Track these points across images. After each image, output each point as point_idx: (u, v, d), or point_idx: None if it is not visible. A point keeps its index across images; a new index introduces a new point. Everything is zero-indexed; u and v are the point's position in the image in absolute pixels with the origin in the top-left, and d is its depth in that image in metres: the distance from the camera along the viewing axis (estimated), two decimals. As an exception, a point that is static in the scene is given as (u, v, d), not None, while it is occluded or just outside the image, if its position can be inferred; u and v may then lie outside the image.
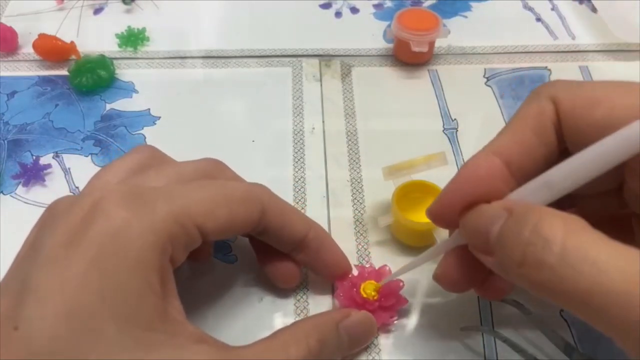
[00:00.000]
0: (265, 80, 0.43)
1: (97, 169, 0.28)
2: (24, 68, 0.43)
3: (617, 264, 0.17)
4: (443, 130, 0.39)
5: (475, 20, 0.48)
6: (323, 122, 0.40)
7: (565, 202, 0.25)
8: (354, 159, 0.37)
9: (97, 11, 0.48)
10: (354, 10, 0.49)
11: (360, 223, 0.34)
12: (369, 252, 0.32)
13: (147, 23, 0.46)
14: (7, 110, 0.40)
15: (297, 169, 0.37)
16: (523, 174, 0.22)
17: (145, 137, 0.39)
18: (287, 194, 0.35)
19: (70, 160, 0.37)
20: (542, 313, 0.28)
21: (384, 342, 0.29)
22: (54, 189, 0.36)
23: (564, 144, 0.22)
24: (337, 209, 0.34)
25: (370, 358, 0.28)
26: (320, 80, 0.43)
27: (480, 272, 0.23)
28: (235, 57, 0.44)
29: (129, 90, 0.42)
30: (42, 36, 0.43)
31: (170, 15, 0.48)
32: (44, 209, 0.25)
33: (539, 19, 0.48)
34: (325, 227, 0.33)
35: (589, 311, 0.17)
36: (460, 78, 0.43)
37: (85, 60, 0.42)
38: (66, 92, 0.41)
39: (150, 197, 0.23)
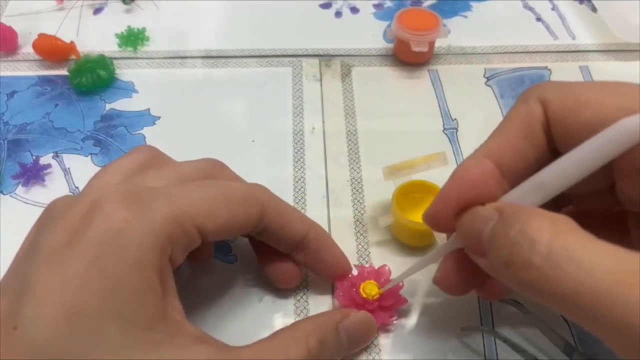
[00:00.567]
0: (265, 80, 0.43)
1: (97, 169, 0.28)
2: (23, 68, 0.43)
3: (604, 263, 0.17)
4: (443, 130, 0.39)
5: (476, 20, 0.48)
6: (323, 122, 0.40)
7: (561, 202, 0.26)
8: (354, 159, 0.37)
9: (97, 11, 0.48)
10: (354, 10, 0.49)
11: (360, 223, 0.34)
12: (369, 252, 0.32)
13: (147, 23, 0.46)
14: (7, 110, 0.40)
15: (297, 169, 0.37)
16: (515, 176, 0.23)
17: (145, 137, 0.39)
18: (287, 194, 0.35)
19: (70, 160, 0.37)
20: (542, 313, 0.28)
21: (384, 342, 0.29)
22: (53, 189, 0.36)
23: (555, 145, 0.22)
24: (337, 209, 0.34)
25: (370, 358, 0.28)
26: (320, 80, 0.43)
27: (479, 274, 0.23)
28: (235, 57, 0.44)
29: (128, 90, 0.42)
30: (42, 36, 0.43)
31: (170, 15, 0.48)
32: (44, 208, 0.25)
33: (539, 19, 0.48)
34: (325, 227, 0.33)
35: (577, 311, 0.18)
36: (461, 78, 0.43)
37: (85, 60, 0.42)
38: (66, 92, 0.41)
39: (150, 197, 0.23)
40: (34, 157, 0.37)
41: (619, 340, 0.17)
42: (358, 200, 0.35)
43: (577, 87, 0.22)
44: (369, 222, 0.34)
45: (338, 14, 0.49)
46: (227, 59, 0.44)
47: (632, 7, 0.47)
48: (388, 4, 0.50)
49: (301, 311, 0.30)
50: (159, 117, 0.40)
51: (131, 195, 0.23)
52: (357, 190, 0.35)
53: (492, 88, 0.42)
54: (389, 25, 0.45)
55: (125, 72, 0.43)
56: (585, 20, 0.48)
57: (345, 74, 0.43)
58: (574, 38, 0.46)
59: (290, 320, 0.29)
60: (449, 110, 0.40)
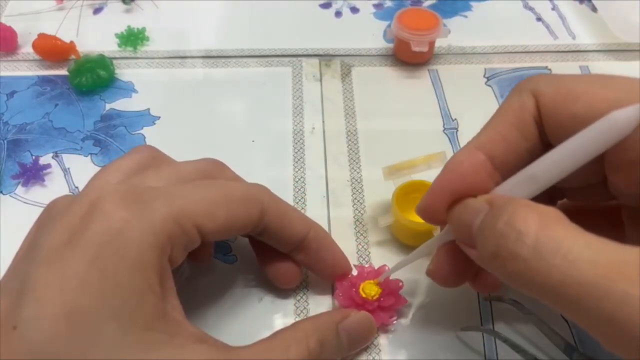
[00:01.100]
0: (265, 80, 0.43)
1: (97, 169, 0.28)
2: (23, 68, 0.43)
3: (590, 255, 0.17)
4: (443, 130, 0.39)
5: (476, 20, 0.48)
6: (323, 122, 0.40)
7: (555, 195, 0.26)
8: (354, 159, 0.37)
9: (97, 11, 0.48)
10: (354, 10, 0.49)
11: (360, 223, 0.34)
12: (369, 252, 0.32)
13: (147, 23, 0.46)
14: (6, 110, 0.40)
15: (297, 169, 0.37)
16: (507, 168, 0.23)
17: (144, 137, 0.39)
18: (287, 194, 0.35)
19: (69, 160, 0.37)
20: (542, 313, 0.28)
21: (384, 342, 0.29)
22: (53, 189, 0.35)
23: (547, 138, 0.22)
24: (337, 209, 0.34)
25: (370, 358, 0.28)
26: (320, 80, 0.42)
27: (472, 266, 0.23)
28: (235, 57, 0.44)
29: (128, 90, 0.42)
30: (41, 36, 0.43)
31: (170, 15, 0.48)
32: (43, 208, 0.25)
33: (539, 19, 0.48)
34: (325, 227, 0.33)
35: (563, 303, 0.18)
36: (461, 78, 0.43)
37: (85, 60, 0.42)
38: (66, 92, 0.41)
39: (149, 197, 0.23)
40: (33, 157, 0.37)
41: (605, 332, 0.17)
42: (358, 200, 0.35)
43: (569, 80, 0.22)
44: (369, 222, 0.34)
45: (338, 14, 0.49)
46: (227, 59, 0.44)
47: (632, 7, 0.47)
48: (388, 3, 0.50)
49: (301, 311, 0.30)
50: (159, 117, 0.40)
51: (131, 195, 0.23)
52: (357, 190, 0.35)
53: (492, 88, 0.42)
54: (389, 25, 0.45)
55: (125, 72, 0.43)
56: (585, 20, 0.48)
57: (345, 74, 0.43)
58: (574, 38, 0.46)
59: (290, 320, 0.29)
60: (449, 110, 0.40)
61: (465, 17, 0.48)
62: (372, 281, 0.29)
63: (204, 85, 0.42)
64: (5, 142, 0.38)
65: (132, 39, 0.45)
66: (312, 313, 0.30)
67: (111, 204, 0.22)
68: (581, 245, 0.17)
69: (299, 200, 0.35)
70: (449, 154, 0.37)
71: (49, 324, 0.20)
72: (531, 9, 0.49)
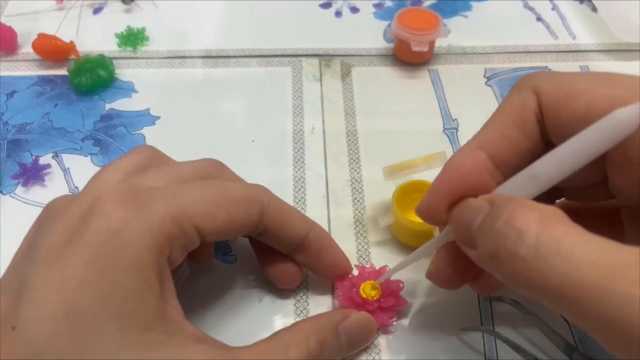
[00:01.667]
0: (265, 80, 0.43)
1: (97, 169, 0.28)
2: (23, 68, 0.43)
3: (590, 256, 0.17)
4: (443, 130, 0.39)
5: (476, 19, 0.48)
6: (323, 122, 0.40)
7: (554, 194, 0.25)
8: (354, 159, 0.37)
9: (97, 11, 0.48)
10: (354, 10, 0.49)
11: (360, 223, 0.34)
12: (369, 252, 0.32)
13: (147, 23, 0.46)
14: (6, 110, 0.40)
15: (297, 169, 0.37)
16: (509, 167, 0.22)
17: (144, 137, 0.39)
18: (287, 194, 0.35)
19: (69, 160, 0.37)
20: (542, 313, 0.28)
21: (384, 342, 0.29)
22: (53, 189, 0.35)
23: (548, 136, 0.22)
24: (337, 209, 0.34)
25: (370, 358, 0.28)
26: (320, 80, 0.42)
27: (472, 267, 0.23)
28: (235, 57, 0.44)
29: (128, 90, 0.42)
30: (41, 36, 0.43)
31: (170, 15, 0.48)
32: (43, 208, 0.25)
33: (539, 19, 0.48)
34: (325, 227, 0.33)
35: (563, 304, 0.17)
36: (461, 78, 0.43)
37: (85, 60, 0.42)
38: (66, 92, 0.41)
39: (149, 197, 0.23)
40: (33, 157, 0.37)
41: (606, 334, 0.17)
42: (358, 200, 0.35)
43: (570, 78, 0.22)
44: (369, 222, 0.34)
45: (338, 13, 0.49)
46: (227, 59, 0.44)
47: (632, 7, 0.47)
48: (388, 3, 0.50)
49: (301, 311, 0.30)
50: (159, 117, 0.40)
51: (130, 195, 0.23)
52: (357, 190, 0.35)
53: (492, 88, 0.42)
54: (389, 25, 0.45)
55: (125, 72, 0.43)
56: (585, 20, 0.48)
57: (345, 74, 0.43)
58: (574, 38, 0.46)
59: (290, 320, 0.29)
60: (449, 110, 0.40)
61: (465, 17, 0.48)
62: (372, 281, 0.29)
63: (204, 85, 0.42)
64: (5, 142, 0.38)
65: (132, 39, 0.45)
66: (312, 313, 0.29)
67: (110, 204, 0.22)
68: (582, 245, 0.17)
69: (299, 200, 0.35)
70: (449, 154, 0.37)
71: (48, 324, 0.20)
72: (531, 9, 0.49)
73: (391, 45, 0.45)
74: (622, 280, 0.16)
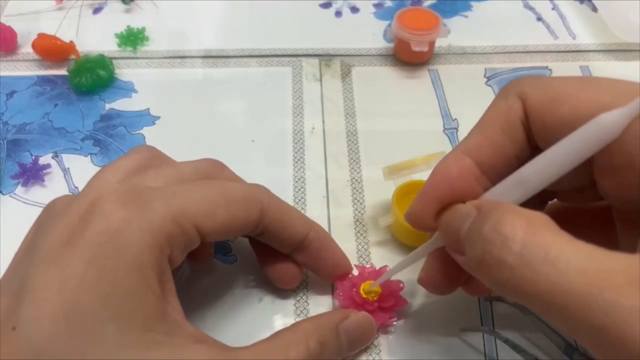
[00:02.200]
0: (265, 80, 0.42)
1: (97, 169, 0.28)
2: (23, 68, 0.43)
3: (578, 264, 0.17)
4: (443, 130, 0.39)
5: (476, 19, 0.48)
6: (323, 122, 0.40)
7: (546, 196, 0.25)
8: (354, 159, 0.37)
9: (97, 11, 0.48)
10: (354, 10, 0.49)
11: (360, 223, 0.34)
12: (369, 253, 0.32)
13: (147, 23, 0.46)
14: (6, 110, 0.40)
15: (297, 169, 0.37)
16: (495, 172, 0.22)
17: (144, 137, 0.39)
18: (287, 194, 0.35)
19: (69, 160, 0.37)
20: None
21: (384, 342, 0.29)
22: (53, 189, 0.35)
23: (534, 142, 0.22)
24: (337, 209, 0.34)
25: (370, 358, 0.28)
26: (320, 80, 0.42)
27: (462, 272, 0.23)
28: (235, 57, 0.44)
29: (128, 90, 0.42)
30: (41, 36, 0.43)
31: (170, 15, 0.48)
32: (43, 208, 0.25)
33: (539, 19, 0.48)
34: (325, 227, 0.33)
35: (551, 311, 0.17)
36: (461, 78, 0.43)
37: (85, 60, 0.42)
38: (65, 92, 0.41)
39: (149, 197, 0.23)
40: (33, 157, 0.37)
41: (593, 341, 0.17)
42: (358, 200, 0.35)
43: (556, 83, 0.22)
44: (369, 222, 0.34)
45: (338, 13, 0.49)
46: (227, 59, 0.44)
47: (632, 7, 0.47)
48: (388, 3, 0.50)
49: (301, 311, 0.30)
50: (159, 117, 0.40)
51: (130, 195, 0.23)
52: (357, 190, 0.35)
53: (492, 88, 0.42)
54: (389, 25, 0.45)
55: (124, 72, 0.43)
56: (585, 20, 0.48)
57: (345, 74, 0.43)
58: (574, 38, 0.46)
59: (290, 320, 0.29)
60: (449, 110, 0.40)
61: (465, 17, 0.48)
62: (372, 281, 0.29)
63: (204, 85, 0.42)
64: (5, 142, 0.38)
65: (132, 39, 0.45)
66: (312, 313, 0.29)
67: (110, 204, 0.22)
68: (569, 252, 0.17)
69: (299, 200, 0.35)
70: (449, 154, 0.37)
71: (48, 324, 0.20)
72: (531, 8, 0.49)
73: (391, 45, 0.45)
74: (609, 287, 0.16)
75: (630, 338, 0.15)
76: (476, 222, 0.20)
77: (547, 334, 0.27)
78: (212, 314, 0.29)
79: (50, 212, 0.24)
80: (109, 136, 0.39)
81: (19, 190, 0.35)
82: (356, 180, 0.36)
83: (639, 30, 0.45)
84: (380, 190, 0.34)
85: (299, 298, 0.30)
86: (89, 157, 0.37)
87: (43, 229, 0.23)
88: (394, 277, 0.29)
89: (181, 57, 0.44)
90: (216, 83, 0.42)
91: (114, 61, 0.43)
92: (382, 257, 0.32)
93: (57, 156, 0.37)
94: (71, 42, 0.43)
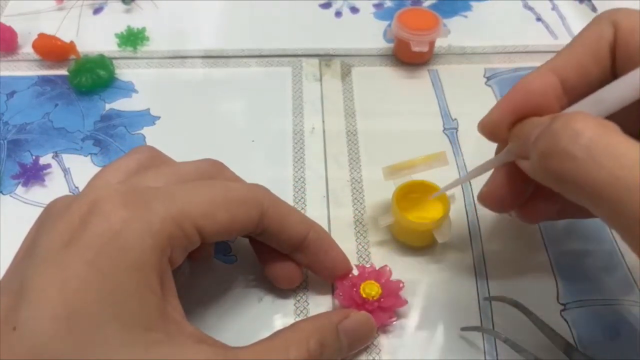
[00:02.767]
0: (265, 80, 0.43)
1: (97, 169, 0.28)
2: (23, 68, 0.43)
3: None
4: (443, 130, 0.39)
5: (476, 20, 0.48)
6: (323, 122, 0.40)
7: None
8: (354, 159, 0.37)
9: (97, 11, 0.48)
10: (354, 10, 0.49)
11: (360, 223, 0.34)
12: (369, 252, 0.32)
13: (147, 23, 0.46)
14: (6, 110, 0.40)
15: (297, 169, 0.37)
16: (577, 94, 0.23)
17: (144, 137, 0.39)
18: (287, 194, 0.35)
19: (69, 160, 0.37)
20: (542, 313, 0.28)
21: (384, 342, 0.29)
22: (53, 189, 0.35)
23: (618, 72, 0.23)
24: (337, 209, 0.34)
25: (370, 358, 0.28)
26: (320, 80, 0.42)
27: (524, 192, 0.24)
28: (235, 57, 0.44)
29: (128, 90, 0.42)
30: (41, 36, 0.43)
31: (170, 15, 0.48)
32: (43, 208, 0.25)
33: (539, 19, 0.48)
34: (325, 227, 0.33)
35: (606, 204, 0.18)
36: (461, 78, 0.43)
37: (85, 60, 0.42)
38: (66, 92, 0.41)
39: (149, 197, 0.23)
40: (33, 157, 0.37)
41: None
42: (358, 200, 0.35)
43: None
44: (369, 222, 0.34)
45: (338, 14, 0.49)
46: (227, 59, 0.44)
47: (632, 7, 0.47)
48: (388, 3, 0.50)
49: (301, 311, 0.30)
50: (159, 117, 0.40)
51: (130, 195, 0.23)
52: (357, 190, 0.35)
53: (492, 88, 0.42)
54: (389, 25, 0.45)
55: (125, 72, 0.43)
56: (585, 20, 0.47)
57: (345, 74, 0.43)
58: (574, 38, 0.46)
59: (290, 320, 0.29)
60: (449, 110, 0.40)
61: (465, 17, 0.48)
62: (372, 281, 0.29)
63: (204, 85, 0.42)
64: (5, 142, 0.38)
65: (132, 39, 0.45)
66: (312, 313, 0.29)
67: (111, 205, 0.22)
68: (634, 150, 0.18)
69: (299, 200, 0.35)
70: (449, 154, 0.37)
71: (49, 325, 0.20)
72: (531, 9, 0.49)
73: (391, 45, 0.45)
74: None
75: None
76: (547, 125, 0.20)
77: (547, 334, 0.27)
78: (212, 314, 0.29)
79: (51, 213, 0.24)
80: (109, 136, 0.39)
81: (20, 190, 0.35)
82: (356, 180, 0.36)
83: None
84: (380, 190, 0.34)
85: (299, 298, 0.30)
86: (89, 157, 0.37)
87: (43, 229, 0.23)
88: (394, 278, 0.29)
89: (181, 57, 0.44)
90: (216, 83, 0.42)
91: (114, 61, 0.43)
92: (382, 257, 0.32)
93: (57, 156, 0.37)
94: (71, 42, 0.43)
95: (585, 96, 0.22)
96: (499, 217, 0.33)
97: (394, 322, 0.29)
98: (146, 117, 0.40)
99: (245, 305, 0.30)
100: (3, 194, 0.35)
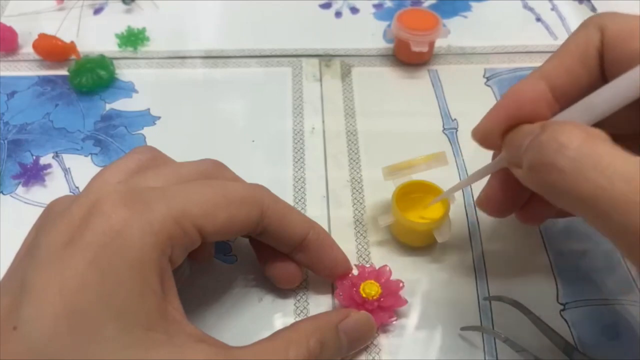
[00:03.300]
0: (265, 80, 0.43)
1: (97, 169, 0.29)
2: (24, 68, 0.43)
3: (627, 172, 0.18)
4: (443, 130, 0.39)
5: (475, 20, 0.48)
6: (323, 122, 0.40)
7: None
8: (354, 159, 0.37)
9: (97, 11, 0.48)
10: (354, 10, 0.49)
11: (360, 223, 0.34)
12: (369, 252, 0.32)
13: (147, 23, 0.46)
14: (7, 110, 0.40)
15: (297, 169, 0.37)
16: (567, 100, 0.23)
17: (145, 137, 0.39)
18: (287, 194, 0.35)
19: (70, 160, 0.37)
20: (542, 313, 0.28)
21: (384, 342, 0.29)
22: (53, 189, 0.36)
23: (606, 75, 0.23)
24: (337, 209, 0.34)
25: (370, 358, 0.28)
26: (320, 80, 0.43)
27: (522, 196, 0.25)
28: (235, 57, 0.44)
29: (128, 90, 0.42)
30: (42, 36, 0.43)
31: (170, 15, 0.48)
32: (44, 208, 0.25)
33: (538, 19, 0.48)
34: (325, 227, 0.33)
35: (593, 215, 0.18)
36: (460, 78, 0.43)
37: (85, 60, 0.42)
38: (66, 92, 0.41)
39: (150, 197, 0.23)
40: (34, 157, 0.37)
41: (630, 245, 0.18)
42: (358, 200, 0.35)
43: (633, 18, 0.22)
44: (369, 222, 0.34)
45: (338, 14, 0.49)
46: (227, 59, 0.44)
47: (632, 7, 0.47)
48: (388, 4, 0.50)
49: (301, 311, 0.30)
50: (159, 117, 0.40)
51: (131, 195, 0.23)
52: (357, 190, 0.35)
53: (492, 88, 0.42)
54: (389, 25, 0.45)
55: (125, 72, 0.43)
56: (585, 20, 0.48)
57: (345, 74, 0.43)
58: (574, 38, 0.46)
59: (290, 320, 0.29)
60: (449, 110, 0.40)
61: (465, 17, 0.48)
62: (372, 281, 0.29)
63: (204, 85, 0.42)
64: (6, 142, 0.38)
65: (132, 39, 0.45)
66: (312, 313, 0.30)
67: (111, 205, 0.22)
68: (620, 162, 0.18)
69: (299, 200, 0.35)
70: (449, 154, 0.37)
71: (49, 324, 0.20)
72: (531, 9, 0.49)
73: (391, 45, 0.45)
74: None
75: None
76: (537, 134, 0.21)
77: (547, 334, 0.27)
78: (213, 313, 0.29)
79: (51, 213, 0.24)
80: (110, 136, 0.39)
81: (20, 190, 0.35)
82: (356, 180, 0.36)
83: (639, 31, 0.45)
84: (380, 190, 0.34)
85: (299, 298, 0.30)
86: (89, 157, 0.37)
87: (44, 229, 0.23)
88: (394, 277, 0.29)
89: (181, 57, 0.44)
90: (216, 83, 0.42)
91: (115, 61, 0.43)
92: (382, 257, 0.32)
93: (57, 156, 0.37)
94: (72, 42, 0.43)
95: (576, 102, 0.22)
96: (499, 217, 0.34)
97: (394, 322, 0.29)
98: (146, 117, 0.40)
99: (245, 305, 0.30)
100: (3, 194, 0.35)
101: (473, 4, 0.50)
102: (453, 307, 0.30)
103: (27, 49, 0.44)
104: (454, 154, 0.37)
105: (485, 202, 0.27)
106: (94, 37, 0.45)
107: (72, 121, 0.39)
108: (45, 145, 0.38)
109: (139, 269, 0.21)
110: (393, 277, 0.29)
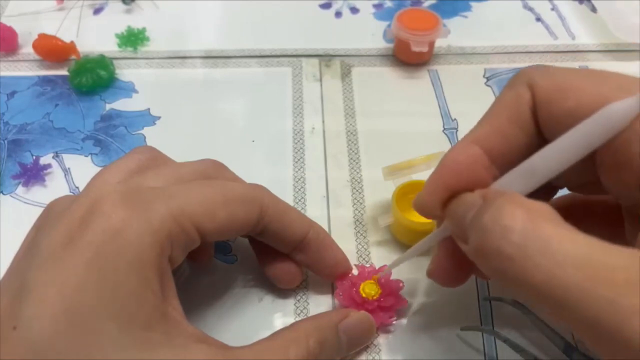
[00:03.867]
0: (265, 80, 0.43)
1: (97, 169, 0.29)
2: (23, 68, 0.43)
3: (577, 258, 0.17)
4: (443, 130, 0.39)
5: (475, 20, 0.48)
6: (323, 122, 0.40)
7: (553, 188, 0.25)
8: (354, 159, 0.37)
9: (97, 11, 0.48)
10: (354, 10, 0.49)
11: (360, 223, 0.34)
12: (369, 252, 0.32)
13: (147, 23, 0.46)
14: (7, 110, 0.40)
15: (297, 169, 0.37)
16: (505, 162, 0.22)
17: (145, 137, 0.39)
18: (287, 194, 0.35)
19: (70, 160, 0.37)
20: (542, 313, 0.28)
21: (384, 342, 0.29)
22: (53, 189, 0.36)
23: (543, 131, 0.22)
24: (337, 209, 0.34)
25: (370, 358, 0.28)
26: (320, 80, 0.43)
27: (472, 262, 0.23)
28: (235, 57, 0.44)
29: (128, 90, 0.42)
30: (42, 36, 0.43)
31: (170, 15, 0.48)
32: (44, 208, 0.25)
33: (538, 19, 0.48)
34: (325, 227, 0.33)
35: (548, 303, 0.17)
36: (461, 78, 0.43)
37: (85, 60, 0.42)
38: (66, 92, 0.41)
39: (149, 197, 0.23)
40: (34, 157, 0.37)
41: (589, 335, 0.17)
42: (358, 200, 0.35)
43: (562, 74, 0.22)
44: (369, 222, 0.34)
45: (338, 14, 0.49)
46: (227, 59, 0.44)
47: (632, 7, 0.47)
48: (388, 4, 0.50)
49: (301, 311, 0.30)
50: (159, 117, 0.40)
51: (130, 195, 0.23)
52: (357, 190, 0.35)
53: (492, 88, 0.42)
54: (389, 25, 0.45)
55: (125, 72, 0.43)
56: (585, 21, 0.48)
57: (345, 74, 0.43)
58: (573, 38, 0.46)
59: (290, 320, 0.29)
60: (449, 110, 0.40)
61: (465, 17, 0.48)
62: (372, 281, 0.29)
63: (204, 85, 0.42)
64: (6, 142, 0.38)
65: (132, 39, 0.45)
66: (312, 313, 0.30)
67: (111, 204, 0.22)
68: (569, 245, 0.17)
69: (299, 200, 0.35)
70: (449, 154, 0.37)
71: (49, 324, 0.20)
72: (531, 9, 0.49)
73: (391, 45, 0.45)
74: (606, 284, 0.16)
75: (629, 337, 0.15)
76: (479, 211, 0.20)
77: (547, 333, 0.27)
78: (212, 314, 0.29)
79: (51, 213, 0.24)
80: (110, 136, 0.39)
81: (20, 190, 0.35)
82: (356, 180, 0.36)
83: (639, 31, 0.45)
84: (380, 190, 0.34)
85: (299, 298, 0.30)
86: (89, 157, 0.37)
87: (44, 229, 0.23)
88: (394, 277, 0.29)
89: (181, 57, 0.44)
90: (216, 83, 0.42)
91: (115, 61, 0.43)
92: (382, 257, 0.32)
93: (57, 156, 0.37)
94: (72, 42, 0.43)
95: (514, 163, 0.21)
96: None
97: (394, 322, 0.29)
98: (146, 117, 0.40)
99: (245, 305, 0.30)
100: (3, 194, 0.35)
101: (473, 4, 0.50)
102: (453, 307, 0.30)
103: (27, 49, 0.44)
104: (454, 154, 0.37)
105: (434, 274, 0.25)
106: (94, 37, 0.45)
107: (72, 121, 0.39)
108: (45, 145, 0.38)
109: (139, 268, 0.21)
110: (393, 277, 0.29)
